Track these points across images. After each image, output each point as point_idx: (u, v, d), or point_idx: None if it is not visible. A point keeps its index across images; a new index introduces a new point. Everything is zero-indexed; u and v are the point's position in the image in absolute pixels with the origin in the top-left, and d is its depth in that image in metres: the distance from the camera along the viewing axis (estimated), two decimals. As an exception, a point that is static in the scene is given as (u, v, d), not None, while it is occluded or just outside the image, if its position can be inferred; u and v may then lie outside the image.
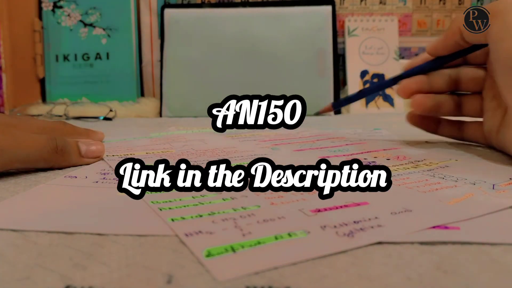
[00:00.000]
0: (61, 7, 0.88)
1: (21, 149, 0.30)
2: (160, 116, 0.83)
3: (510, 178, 0.29)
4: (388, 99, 0.84)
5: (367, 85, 0.85)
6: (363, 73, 0.86)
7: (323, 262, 0.17)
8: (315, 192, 0.25)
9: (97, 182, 0.29)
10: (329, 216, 0.21)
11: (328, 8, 0.84)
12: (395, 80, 0.40)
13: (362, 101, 0.85)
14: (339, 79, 0.86)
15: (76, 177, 0.30)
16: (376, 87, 0.43)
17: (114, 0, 0.87)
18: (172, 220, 0.21)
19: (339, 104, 0.45)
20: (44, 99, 0.90)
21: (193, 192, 0.26)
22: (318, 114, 0.45)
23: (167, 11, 0.84)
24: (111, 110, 0.78)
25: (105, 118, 0.76)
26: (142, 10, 0.90)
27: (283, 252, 0.17)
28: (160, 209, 0.23)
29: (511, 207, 0.23)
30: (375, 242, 0.18)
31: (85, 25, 0.88)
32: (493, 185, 0.27)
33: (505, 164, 0.33)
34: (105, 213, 0.23)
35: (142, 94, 0.91)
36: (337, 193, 0.25)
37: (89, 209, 0.24)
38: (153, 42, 0.90)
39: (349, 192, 0.25)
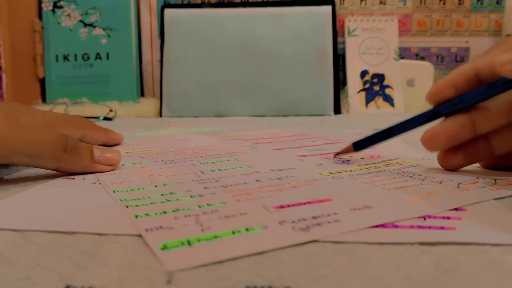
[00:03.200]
0: (61, 7, 0.88)
1: (24, 142, 0.27)
2: (160, 116, 0.83)
3: (477, 177, 0.29)
4: (388, 99, 0.84)
5: (367, 85, 0.85)
6: (363, 73, 0.86)
7: (323, 262, 0.17)
8: (283, 189, 0.26)
9: (94, 183, 0.29)
10: (290, 212, 0.22)
11: (328, 8, 0.84)
12: (429, 116, 0.31)
13: (362, 101, 0.85)
14: (339, 79, 0.86)
15: (74, 178, 0.30)
16: (406, 126, 0.32)
17: (114, 0, 0.87)
18: (136, 216, 0.22)
19: (360, 144, 0.35)
20: (44, 99, 0.90)
21: (163, 190, 0.27)
22: (337, 155, 0.36)
23: (167, 11, 0.84)
24: (111, 110, 0.78)
25: (105, 118, 0.76)
26: (142, 10, 0.90)
27: (238, 245, 0.18)
28: (127, 206, 0.23)
29: (475, 203, 0.23)
30: (326, 235, 0.19)
31: (85, 25, 0.88)
32: (459, 183, 0.28)
33: (475, 164, 0.33)
34: (105, 213, 0.23)
35: (142, 94, 0.91)
36: (303, 190, 0.26)
37: (89, 209, 0.24)
38: (153, 42, 0.90)
39: (317, 188, 0.27)
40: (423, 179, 0.29)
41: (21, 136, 0.27)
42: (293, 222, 0.21)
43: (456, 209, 0.23)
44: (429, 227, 0.20)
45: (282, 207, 0.23)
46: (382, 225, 0.20)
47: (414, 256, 0.17)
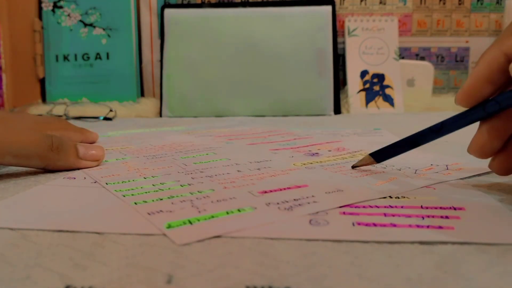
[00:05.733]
0: (61, 7, 0.88)
1: (13, 142, 0.29)
2: (160, 116, 0.83)
3: (431, 164, 0.33)
4: (388, 99, 0.84)
5: (367, 85, 0.85)
6: (363, 73, 0.86)
7: (323, 262, 0.17)
8: (263, 178, 0.29)
9: (95, 182, 0.29)
10: (273, 196, 0.25)
11: (328, 8, 0.83)
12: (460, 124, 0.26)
13: (362, 101, 0.85)
14: (339, 79, 0.86)
15: (75, 178, 0.30)
16: (430, 136, 0.27)
17: (114, 0, 0.87)
18: (135, 203, 0.23)
19: (381, 155, 0.30)
20: (44, 99, 0.90)
21: (153, 181, 0.29)
22: (355, 167, 0.32)
23: (167, 11, 0.84)
24: (111, 110, 0.77)
25: (105, 118, 0.75)
26: (142, 10, 0.90)
27: (233, 222, 0.20)
28: (124, 196, 0.25)
29: (426, 186, 0.26)
30: (307, 213, 0.22)
31: (85, 25, 0.88)
32: (416, 170, 0.31)
33: (430, 153, 0.37)
34: (105, 213, 0.23)
35: (142, 94, 0.91)
36: (281, 178, 0.29)
37: (89, 208, 0.24)
38: (153, 42, 0.90)
39: (293, 177, 0.29)
40: (385, 167, 0.32)
41: (10, 138, 0.29)
42: (278, 203, 0.23)
43: (454, 208, 0.23)
44: (428, 227, 0.20)
45: (265, 192, 0.26)
46: (381, 224, 0.20)
47: (414, 256, 0.17)
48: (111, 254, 0.17)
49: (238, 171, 0.31)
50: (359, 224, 0.20)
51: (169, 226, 0.20)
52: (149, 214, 0.22)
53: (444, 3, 0.91)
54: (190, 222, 0.20)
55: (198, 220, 0.21)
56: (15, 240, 0.19)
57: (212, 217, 0.21)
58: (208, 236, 0.19)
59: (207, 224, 0.20)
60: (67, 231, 0.20)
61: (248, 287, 0.15)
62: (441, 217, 0.21)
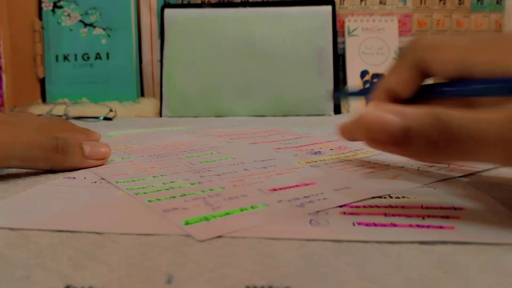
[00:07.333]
0: (61, 7, 0.88)
1: (18, 145, 0.28)
2: (160, 116, 0.83)
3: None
4: (388, 99, 0.84)
5: (367, 85, 0.85)
6: (363, 73, 0.86)
7: (323, 262, 0.17)
8: (271, 176, 0.30)
9: (95, 182, 0.29)
10: (283, 193, 0.25)
11: (328, 8, 0.84)
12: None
13: (362, 100, 0.85)
14: (339, 79, 0.86)
15: (75, 178, 0.30)
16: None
17: (114, 0, 0.87)
18: (149, 201, 0.24)
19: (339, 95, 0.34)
20: (44, 99, 0.90)
21: (162, 179, 0.29)
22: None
23: (167, 11, 0.84)
24: (111, 110, 0.78)
25: (105, 118, 0.76)
26: (142, 10, 0.90)
27: (248, 219, 0.21)
28: (136, 194, 0.25)
29: (425, 185, 0.27)
30: (319, 210, 0.22)
31: (85, 25, 0.88)
32: (418, 167, 0.32)
33: None
34: (105, 212, 0.23)
35: (142, 94, 0.91)
36: (288, 176, 0.29)
37: (89, 208, 0.24)
38: (153, 42, 0.90)
39: (300, 175, 0.30)
40: (387, 165, 0.33)
41: (15, 141, 0.29)
42: (289, 200, 0.24)
43: (455, 208, 0.23)
44: (428, 226, 0.20)
45: (275, 189, 0.26)
46: (381, 224, 0.20)
47: (414, 256, 0.17)
48: (111, 254, 0.17)
49: (245, 169, 0.32)
50: (359, 224, 0.20)
51: (186, 223, 0.20)
52: (165, 211, 0.22)
53: (444, 3, 0.91)
54: (207, 219, 0.21)
55: (214, 217, 0.21)
56: (15, 240, 0.19)
57: (227, 214, 0.21)
58: (227, 232, 0.19)
59: (224, 221, 0.20)
60: (67, 231, 0.20)
61: (248, 287, 0.15)
62: (441, 217, 0.21)
